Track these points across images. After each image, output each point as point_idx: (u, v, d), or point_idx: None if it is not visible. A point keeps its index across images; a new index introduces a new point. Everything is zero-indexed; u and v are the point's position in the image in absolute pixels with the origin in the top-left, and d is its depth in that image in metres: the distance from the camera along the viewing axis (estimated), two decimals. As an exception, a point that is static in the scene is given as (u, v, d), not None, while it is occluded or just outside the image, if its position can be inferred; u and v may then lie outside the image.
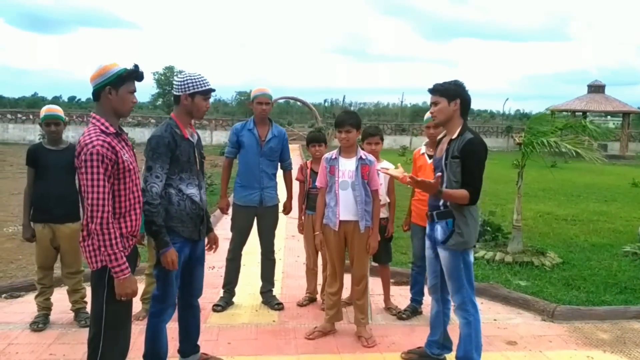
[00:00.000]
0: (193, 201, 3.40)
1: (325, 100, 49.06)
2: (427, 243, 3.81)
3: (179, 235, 3.32)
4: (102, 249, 2.68)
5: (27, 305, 4.81)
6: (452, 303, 3.74)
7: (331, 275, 4.38)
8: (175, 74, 52.78)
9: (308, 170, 5.00)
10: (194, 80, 3.36)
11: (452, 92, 3.58)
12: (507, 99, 35.15)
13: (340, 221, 4.17)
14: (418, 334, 4.43)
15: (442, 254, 3.61)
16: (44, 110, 4.39)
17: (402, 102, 45.58)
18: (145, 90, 49.54)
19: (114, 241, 2.68)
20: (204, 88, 3.38)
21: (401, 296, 5.26)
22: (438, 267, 3.77)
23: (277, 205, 4.98)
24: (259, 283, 5.19)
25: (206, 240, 3.68)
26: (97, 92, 2.79)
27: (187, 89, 3.36)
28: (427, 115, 4.79)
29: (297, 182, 5.13)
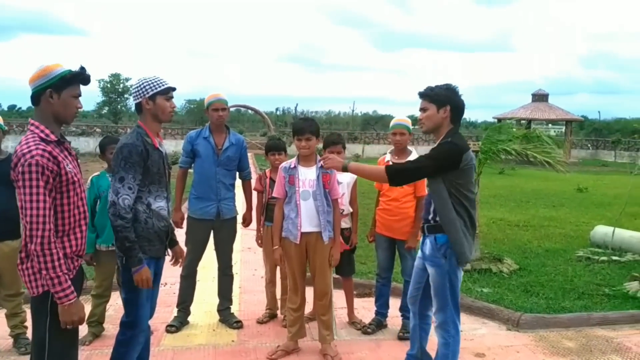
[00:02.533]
0: (161, 216, 3.15)
1: (277, 109, 48.89)
2: (420, 254, 3.60)
3: (145, 254, 3.06)
4: (44, 272, 2.38)
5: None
6: (434, 319, 3.52)
7: (292, 290, 4.17)
8: (121, 81, 51.66)
9: (267, 180, 4.77)
10: (150, 82, 3.13)
11: (442, 98, 3.37)
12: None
13: (302, 233, 3.97)
14: (385, 349, 4.28)
15: (430, 269, 3.43)
16: None
17: (353, 110, 45.82)
18: (89, 98, 48.13)
19: (56, 263, 2.40)
20: (162, 87, 3.14)
21: (364, 309, 5.10)
22: (423, 279, 3.59)
23: (235, 218, 4.73)
24: (215, 300, 4.92)
25: (170, 253, 3.42)
26: (37, 96, 2.50)
27: (145, 93, 3.11)
28: (393, 121, 4.68)
29: (255, 193, 4.90)
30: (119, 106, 53.34)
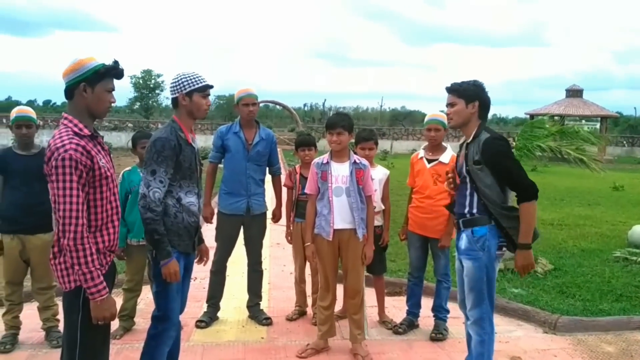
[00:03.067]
0: (191, 212, 3.12)
1: (305, 105, 48.90)
2: (457, 255, 3.51)
3: (174, 248, 3.03)
4: (76, 267, 2.36)
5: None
6: (467, 317, 3.43)
7: (323, 288, 4.11)
8: (153, 77, 52.39)
9: (297, 176, 4.71)
10: (188, 79, 3.11)
11: (470, 93, 3.32)
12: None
13: (335, 230, 3.90)
14: (417, 350, 4.19)
15: (466, 263, 3.35)
16: (15, 112, 4.03)
17: (381, 106, 45.55)
18: (122, 94, 48.93)
19: (89, 258, 2.37)
20: (200, 84, 3.12)
21: (395, 308, 5.02)
22: None
23: (265, 214, 4.68)
24: (244, 296, 4.90)
25: (196, 252, 3.39)
26: (71, 90, 2.48)
27: (183, 89, 3.10)
28: (428, 116, 4.56)
29: (285, 188, 4.85)
30: (150, 102, 54.16)
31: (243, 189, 4.48)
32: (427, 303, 4.71)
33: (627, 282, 5.92)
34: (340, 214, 3.89)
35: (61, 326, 4.18)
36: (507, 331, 4.62)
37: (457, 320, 4.64)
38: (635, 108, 45.93)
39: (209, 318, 4.59)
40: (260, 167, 4.56)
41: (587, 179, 17.59)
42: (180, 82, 3.12)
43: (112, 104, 2.60)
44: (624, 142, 36.06)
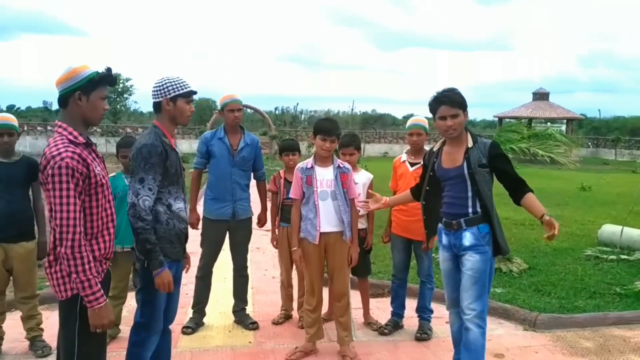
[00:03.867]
0: (181, 218, 3.11)
1: (276, 108, 48.84)
2: (446, 255, 3.60)
3: (167, 257, 3.01)
4: (74, 275, 2.36)
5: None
6: (466, 311, 3.45)
7: (309, 291, 4.15)
8: (121, 81, 51.59)
9: (282, 180, 4.75)
10: (173, 83, 3.08)
11: (465, 103, 3.48)
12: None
13: (321, 233, 3.95)
14: (403, 350, 4.27)
15: (472, 257, 3.42)
16: None
17: (352, 109, 45.79)
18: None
19: (87, 266, 2.37)
20: (185, 90, 3.10)
21: (378, 309, 5.08)
22: (459, 278, 3.57)
23: (250, 218, 4.70)
24: (228, 301, 4.91)
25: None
26: (65, 98, 2.47)
27: (167, 93, 3.06)
28: (411, 121, 4.67)
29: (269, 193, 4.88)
30: (118, 106, 53.29)
31: (229, 194, 4.49)
32: (410, 304, 4.80)
33: (600, 279, 6.11)
34: (326, 218, 3.94)
35: (45, 335, 4.17)
36: (489, 329, 4.65)
37: (440, 320, 4.74)
38: (599, 110, 47.24)
39: (195, 324, 4.58)
40: (245, 173, 4.59)
41: (556, 180, 18.06)
42: (164, 86, 3.08)
43: (106, 111, 2.59)
44: (589, 143, 37.05)
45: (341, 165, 4.03)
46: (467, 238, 3.44)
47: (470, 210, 3.44)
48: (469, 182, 3.41)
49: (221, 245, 4.62)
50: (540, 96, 31.58)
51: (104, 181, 2.52)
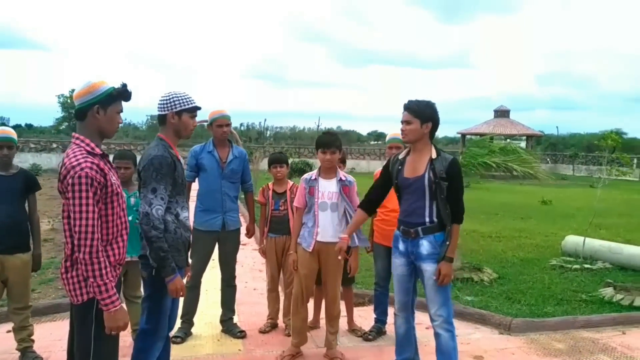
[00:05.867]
0: (186, 227, 3.25)
1: (241, 124, 48.81)
2: (401, 260, 3.77)
3: (175, 264, 3.12)
4: (91, 279, 2.47)
5: (-38, 348, 4.35)
6: (434, 318, 3.67)
7: (299, 297, 4.28)
8: (82, 96, 50.73)
9: (270, 192, 4.91)
10: (179, 98, 3.23)
11: (427, 115, 3.62)
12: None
13: (317, 242, 4.12)
14: (387, 354, 4.44)
15: (431, 267, 3.59)
16: None
17: (318, 126, 46.12)
18: (48, 114, 47.03)
19: (103, 271, 2.48)
20: (190, 105, 3.25)
21: (360, 317, 5.25)
22: (411, 284, 3.81)
23: (239, 229, 4.84)
24: (213, 312, 5.02)
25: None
26: (83, 111, 2.60)
27: (173, 107, 3.21)
28: (390, 135, 4.90)
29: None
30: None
31: (218, 205, 4.62)
32: (391, 311, 4.99)
33: (566, 287, 6.44)
34: (323, 227, 4.12)
35: (37, 346, 4.20)
36: (466, 334, 4.97)
37: (421, 326, 4.93)
38: (557, 127, 48.79)
39: (184, 333, 4.67)
40: (234, 185, 4.73)
41: (517, 194, 18.67)
42: (171, 100, 3.23)
43: (120, 124, 2.73)
44: (548, 159, 38.31)
45: (344, 179, 4.21)
46: (425, 246, 3.63)
47: (427, 219, 3.62)
48: (427, 192, 3.59)
49: (210, 255, 4.74)
50: (502, 113, 32.62)
51: (118, 190, 2.65)
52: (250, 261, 7.77)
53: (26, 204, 4.14)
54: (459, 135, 33.56)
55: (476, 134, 29.14)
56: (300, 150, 33.46)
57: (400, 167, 3.79)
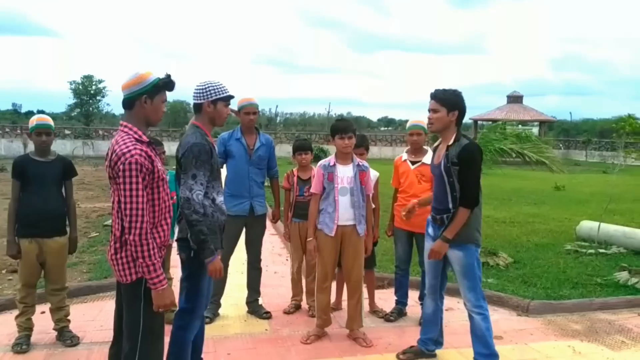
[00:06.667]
0: (222, 210, 3.39)
1: (252, 110, 48.89)
2: (430, 244, 3.90)
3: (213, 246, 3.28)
4: (140, 260, 2.62)
5: (2, 327, 4.56)
6: (465, 302, 3.83)
7: (322, 280, 4.43)
8: (94, 83, 51.01)
9: (295, 178, 5.05)
10: (216, 87, 3.36)
11: (452, 103, 3.73)
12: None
13: (338, 226, 4.26)
14: (410, 334, 4.60)
15: (456, 254, 3.73)
16: (34, 120, 4.19)
17: (329, 112, 46.07)
18: (60, 100, 47.32)
19: (152, 252, 2.64)
20: (225, 94, 3.38)
21: (380, 299, 5.39)
22: (440, 268, 3.95)
23: (265, 214, 5.00)
24: (237, 293, 5.20)
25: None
26: (132, 101, 2.75)
27: (209, 96, 3.34)
28: (410, 122, 5.00)
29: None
30: (90, 108, 52.52)
31: (246, 191, 4.77)
32: (411, 294, 5.15)
33: (581, 271, 6.56)
34: (344, 212, 4.26)
35: (71, 326, 4.39)
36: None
37: (440, 308, 5.10)
38: (570, 113, 48.67)
39: (212, 314, 4.85)
40: (261, 171, 4.88)
41: (530, 180, 18.68)
42: (207, 89, 3.36)
43: (164, 113, 2.87)
44: (560, 145, 38.17)
45: (360, 164, 4.35)
46: None
47: (450, 205, 3.73)
48: (445, 179, 3.71)
49: (238, 239, 4.89)
50: (514, 99, 32.45)
51: (164, 176, 2.79)
52: (269, 246, 7.93)
53: (63, 189, 4.30)
54: (471, 121, 33.46)
55: (489, 120, 29.09)
56: (311, 137, 33.49)
57: (433, 157, 3.97)
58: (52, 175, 4.15)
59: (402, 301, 5.07)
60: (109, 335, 4.39)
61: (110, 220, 8.62)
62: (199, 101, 3.37)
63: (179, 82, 2.89)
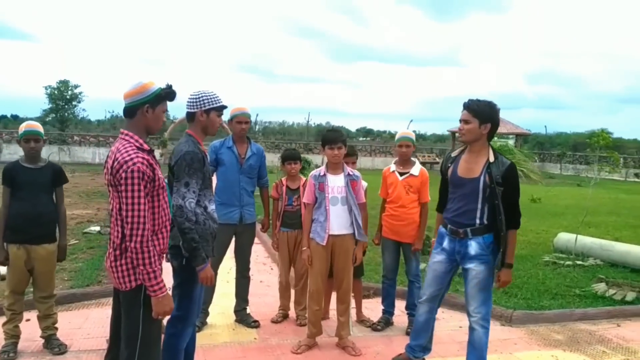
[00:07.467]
0: (213, 218, 3.41)
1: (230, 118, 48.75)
2: (442, 257, 3.91)
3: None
4: (141, 267, 2.64)
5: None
6: (472, 314, 3.82)
7: (315, 290, 4.46)
8: (70, 88, 50.34)
9: (283, 188, 5.09)
10: (209, 97, 3.41)
11: (486, 116, 3.64)
12: (411, 121, 36.84)
13: (330, 235, 4.31)
14: (397, 343, 4.66)
15: (478, 267, 3.71)
16: (24, 127, 4.17)
17: (308, 121, 46.16)
18: (35, 105, 46.58)
19: (153, 259, 2.66)
20: (218, 104, 3.43)
21: (367, 309, 5.43)
22: (446, 281, 3.98)
23: (255, 223, 5.02)
24: (224, 302, 5.21)
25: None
26: (133, 109, 2.77)
27: (202, 105, 3.39)
28: (400, 134, 5.09)
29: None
30: (66, 113, 51.80)
31: (236, 199, 4.79)
32: (398, 304, 5.21)
33: (559, 282, 6.70)
34: (335, 221, 4.31)
35: (58, 334, 4.34)
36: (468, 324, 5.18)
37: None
38: (545, 126, 49.53)
39: (201, 322, 4.83)
40: (251, 180, 4.91)
41: (507, 192, 18.94)
42: (200, 99, 3.41)
43: (164, 122, 2.90)
44: (535, 157, 38.83)
45: (351, 173, 4.42)
46: (473, 247, 3.72)
47: (477, 221, 3.70)
48: (480, 195, 3.66)
49: (227, 248, 4.90)
50: (491, 112, 32.85)
51: (163, 184, 2.82)
52: (254, 255, 7.88)
53: (54, 196, 4.28)
54: (449, 133, 33.85)
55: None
56: (290, 145, 33.52)
57: (450, 165, 3.88)
58: (42, 182, 4.13)
59: (389, 310, 5.13)
60: (97, 343, 4.44)
61: (90, 228, 8.56)
62: (192, 110, 3.41)
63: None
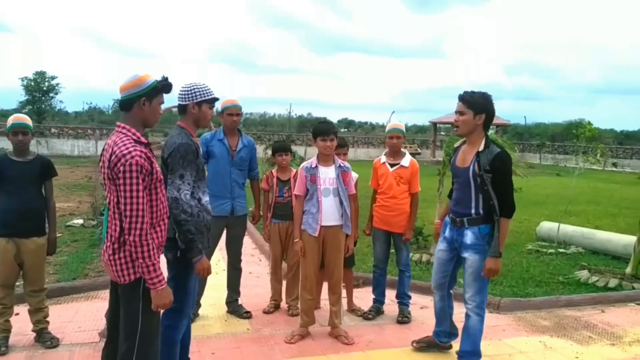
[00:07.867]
0: (208, 210, 3.42)
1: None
2: (444, 245, 4.00)
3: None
4: (140, 260, 2.63)
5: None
6: (468, 302, 3.90)
7: (307, 279, 4.48)
8: (46, 79, 49.50)
9: (274, 179, 5.10)
10: (201, 89, 3.41)
11: (480, 106, 3.68)
12: (393, 112, 36.98)
13: (321, 226, 4.34)
14: (389, 332, 4.72)
15: (472, 257, 3.77)
16: (11, 119, 4.12)
17: (289, 113, 46.08)
18: (12, 96, 45.79)
19: (152, 252, 2.65)
20: (210, 97, 3.43)
21: (357, 298, 5.48)
22: (449, 268, 4.07)
23: (246, 215, 5.02)
24: (216, 293, 5.22)
25: None
26: (129, 102, 2.75)
27: (194, 98, 3.39)
28: (390, 126, 5.13)
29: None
30: (43, 105, 50.97)
31: (228, 191, 4.79)
32: (388, 293, 5.27)
33: (543, 270, 6.84)
34: (327, 212, 4.34)
35: (50, 328, 4.31)
36: (460, 313, 5.22)
37: (415, 306, 5.25)
38: (525, 117, 50.16)
39: (193, 314, 4.82)
40: (242, 172, 4.90)
41: (488, 182, 19.16)
42: (192, 91, 3.40)
43: (161, 115, 2.89)
44: (515, 148, 39.21)
45: (342, 165, 4.44)
46: (469, 237, 3.79)
47: (473, 210, 3.77)
48: (472, 184, 3.73)
49: (219, 240, 4.90)
50: (471, 103, 33.12)
51: (161, 177, 2.81)
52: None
53: (43, 189, 4.23)
54: (430, 124, 34.07)
55: (447, 123, 29.65)
56: (272, 137, 33.42)
57: (453, 156, 3.98)
58: (31, 175, 4.08)
59: (379, 299, 5.19)
60: (89, 336, 4.42)
61: (73, 221, 8.47)
62: (184, 102, 3.41)
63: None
